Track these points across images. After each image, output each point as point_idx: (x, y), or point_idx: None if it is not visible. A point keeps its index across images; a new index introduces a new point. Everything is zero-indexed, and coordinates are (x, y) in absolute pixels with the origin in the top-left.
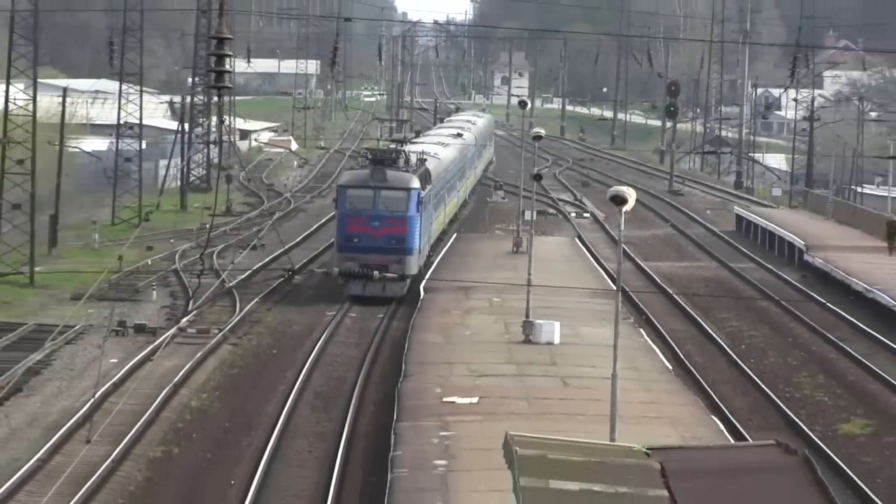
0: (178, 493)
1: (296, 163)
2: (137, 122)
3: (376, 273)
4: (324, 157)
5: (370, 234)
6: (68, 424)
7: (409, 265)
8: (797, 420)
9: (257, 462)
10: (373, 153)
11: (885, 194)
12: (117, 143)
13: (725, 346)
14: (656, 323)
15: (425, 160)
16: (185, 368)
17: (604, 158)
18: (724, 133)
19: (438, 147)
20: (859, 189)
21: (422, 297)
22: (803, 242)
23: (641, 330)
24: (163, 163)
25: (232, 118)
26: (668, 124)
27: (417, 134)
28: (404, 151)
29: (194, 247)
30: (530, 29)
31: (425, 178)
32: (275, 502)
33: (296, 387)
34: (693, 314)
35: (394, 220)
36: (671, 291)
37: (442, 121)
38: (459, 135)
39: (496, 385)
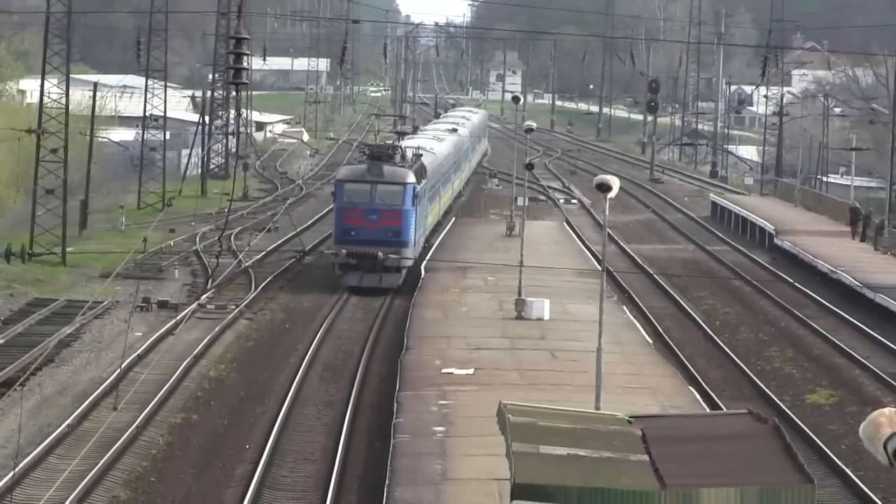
0: (197, 457)
1: (308, 152)
2: (162, 114)
3: (381, 254)
4: (333, 148)
5: (367, 227)
6: (96, 393)
7: (404, 257)
8: (767, 391)
9: (270, 428)
10: (370, 149)
11: (848, 183)
12: (143, 133)
13: (701, 322)
14: (638, 301)
15: (421, 155)
16: (205, 341)
17: (590, 149)
18: (700, 126)
19: (434, 142)
20: (824, 178)
21: (422, 276)
22: (773, 227)
23: (624, 307)
24: (185, 152)
25: (249, 111)
26: (649, 118)
27: (415, 130)
28: (400, 147)
29: (213, 229)
30: (523, 31)
31: (421, 172)
32: (286, 465)
33: (306, 359)
34: (672, 293)
35: (390, 214)
36: (652, 272)
37: (439, 116)
38: (454, 130)
39: (490, 357)
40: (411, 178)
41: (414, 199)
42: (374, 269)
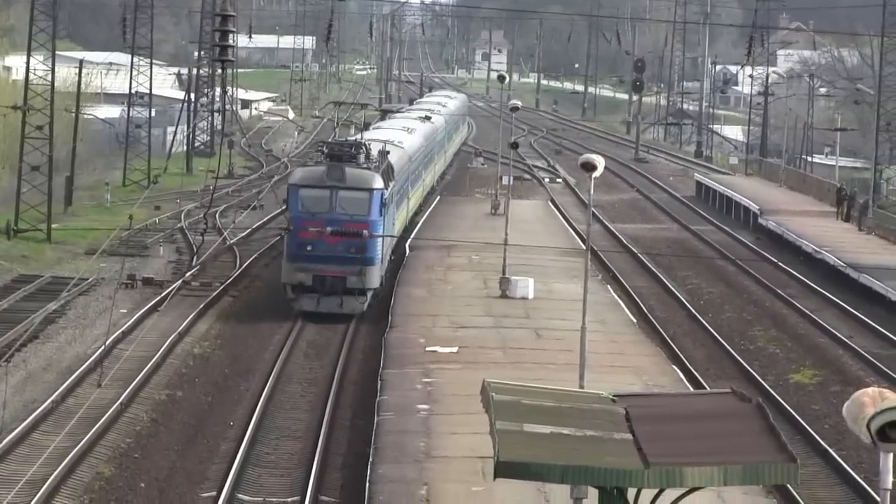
0: (182, 433)
1: (296, 133)
2: (147, 91)
3: (348, 277)
4: (319, 126)
5: (326, 242)
6: (81, 369)
7: (370, 277)
8: (751, 370)
9: (254, 405)
10: (329, 147)
11: (833, 163)
12: (129, 111)
13: (685, 302)
14: (622, 280)
15: (388, 153)
16: (189, 318)
17: (575, 129)
18: (685, 106)
19: (403, 134)
20: (809, 158)
21: (407, 254)
22: (757, 207)
23: (608, 286)
24: (170, 129)
25: (234, 89)
26: (635, 98)
27: (384, 115)
28: (364, 145)
29: (198, 207)
30: (508, 9)
31: (387, 174)
32: (270, 442)
33: (291, 336)
34: (656, 272)
35: (353, 225)
36: (636, 251)
37: (423, 94)
38: (428, 118)
39: (475, 336)
40: (378, 183)
41: (381, 208)
42: (334, 291)
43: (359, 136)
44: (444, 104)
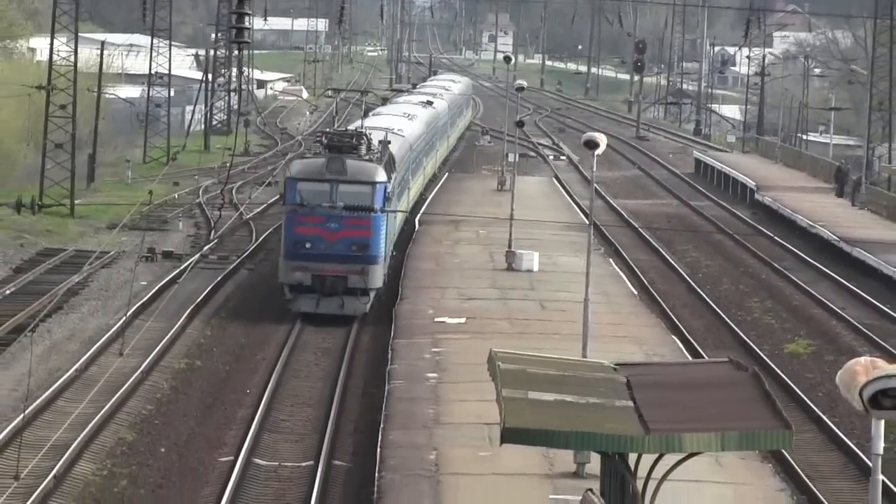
0: (200, 400)
1: (308, 112)
2: (167, 72)
3: (349, 277)
4: (331, 105)
5: (325, 239)
6: (103, 339)
7: (373, 277)
8: (748, 340)
9: (270, 373)
10: (328, 138)
11: (827, 141)
12: (149, 90)
13: (685, 275)
14: (624, 253)
15: (389, 142)
16: (207, 290)
17: (578, 108)
18: (684, 86)
19: (404, 120)
20: (804, 137)
21: (416, 229)
22: (754, 183)
23: (610, 259)
24: (189, 108)
25: (250, 69)
26: (636, 78)
27: (384, 102)
28: (366, 135)
29: (216, 183)
30: None
31: (390, 165)
32: (285, 409)
33: None
34: (656, 246)
35: (355, 222)
36: (637, 226)
37: (433, 74)
38: (430, 103)
39: (482, 307)
40: (381, 176)
41: (385, 202)
42: (334, 291)
43: (358, 125)
44: (448, 88)
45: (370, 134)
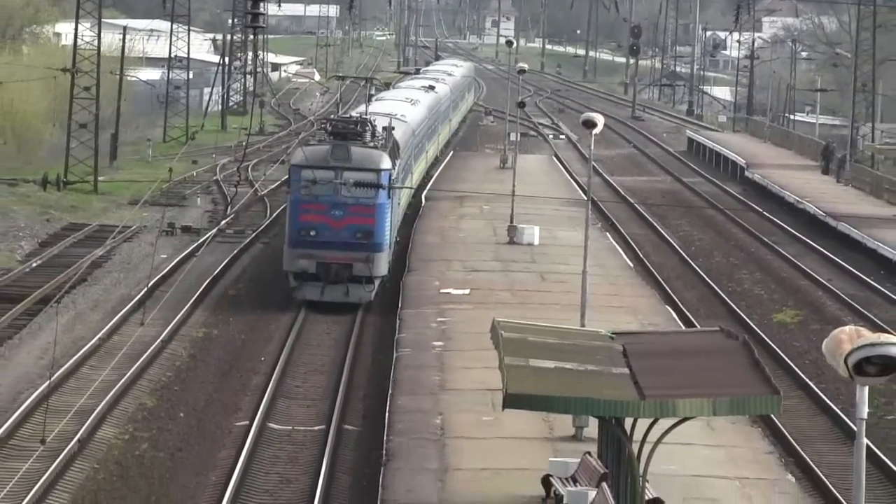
0: (217, 368)
1: (318, 94)
2: (185, 56)
3: (354, 264)
4: (342, 87)
5: (330, 226)
6: (125, 309)
7: (378, 264)
8: (738, 310)
9: (283, 342)
10: (333, 125)
11: (813, 121)
12: (169, 73)
13: (678, 248)
14: (620, 228)
15: (393, 128)
16: (224, 263)
17: (577, 89)
18: (678, 69)
19: (406, 106)
20: (791, 117)
21: (423, 204)
22: (744, 161)
23: (607, 233)
24: (206, 90)
25: (265, 53)
26: (631, 61)
27: (387, 86)
28: (370, 121)
29: (232, 161)
30: None
31: (394, 152)
32: (299, 376)
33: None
34: (651, 220)
35: (360, 209)
36: (633, 201)
37: (428, 64)
38: (432, 88)
39: (485, 279)
40: (386, 163)
41: (389, 190)
42: (339, 279)
43: (362, 110)
44: (450, 72)
45: (374, 120)
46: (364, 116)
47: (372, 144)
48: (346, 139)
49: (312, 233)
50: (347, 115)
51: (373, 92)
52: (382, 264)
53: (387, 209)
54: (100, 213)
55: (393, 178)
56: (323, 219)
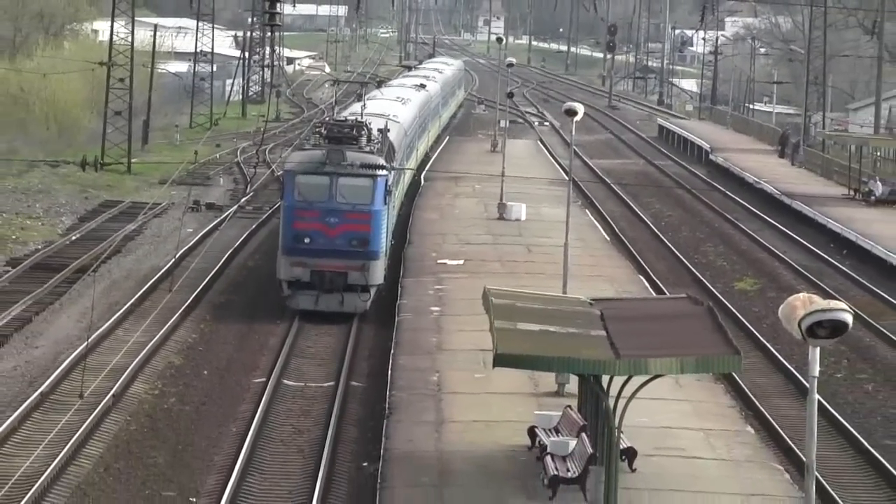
0: (237, 329)
1: (327, 84)
2: (210, 50)
3: (350, 273)
4: (350, 78)
5: (325, 233)
6: (155, 278)
7: (374, 273)
8: (703, 279)
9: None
10: (328, 128)
11: (771, 110)
12: (195, 66)
13: (649, 223)
14: (598, 205)
15: (388, 130)
16: (244, 236)
17: (560, 81)
18: (650, 63)
19: (398, 106)
20: (751, 106)
21: (422, 184)
22: (709, 146)
23: (587, 210)
24: (228, 81)
25: (281, 48)
26: (608, 56)
27: (379, 84)
28: (366, 124)
29: (251, 145)
30: None
31: (390, 155)
32: (311, 332)
33: None
34: (625, 199)
35: (355, 216)
36: (609, 182)
37: (421, 62)
38: (423, 86)
39: (477, 251)
40: (382, 168)
41: (385, 196)
42: (334, 288)
43: (357, 113)
44: (441, 70)
45: (370, 123)
46: (360, 119)
47: (368, 149)
48: (342, 143)
49: (307, 240)
50: (343, 118)
51: (363, 91)
52: (378, 272)
53: (383, 216)
54: (132, 192)
55: (389, 183)
56: (317, 226)
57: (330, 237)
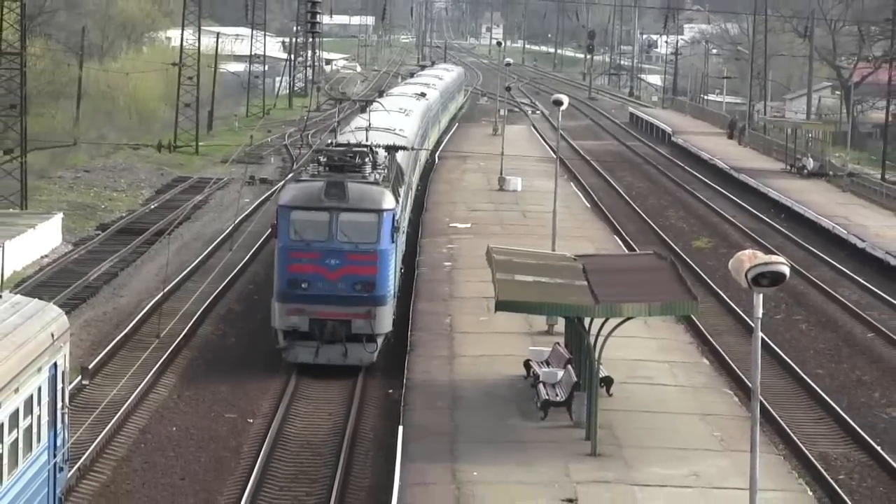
0: None
1: (359, 81)
2: (262, 53)
3: (354, 321)
4: (377, 76)
5: (325, 277)
6: (218, 239)
7: (381, 320)
8: (667, 238)
9: None
10: (328, 156)
11: (721, 100)
12: (250, 66)
13: (623, 193)
14: (581, 179)
15: (396, 150)
16: None
17: (548, 78)
18: (622, 62)
19: (400, 117)
20: (705, 97)
21: (436, 162)
22: (670, 129)
23: (571, 183)
24: (277, 79)
25: (320, 51)
26: (588, 56)
27: (381, 94)
28: (371, 149)
29: (297, 130)
30: None
31: (397, 182)
32: None
33: None
34: (603, 173)
35: (359, 256)
36: (589, 159)
37: (423, 68)
38: (423, 94)
39: (482, 216)
40: (389, 201)
41: (393, 233)
42: (336, 337)
43: (361, 127)
44: (441, 77)
45: (375, 144)
46: (364, 144)
47: (373, 179)
48: (343, 172)
49: (304, 285)
50: (345, 143)
51: (363, 114)
52: (386, 319)
53: (390, 255)
54: (200, 169)
55: (397, 217)
56: (316, 269)
57: (331, 281)
